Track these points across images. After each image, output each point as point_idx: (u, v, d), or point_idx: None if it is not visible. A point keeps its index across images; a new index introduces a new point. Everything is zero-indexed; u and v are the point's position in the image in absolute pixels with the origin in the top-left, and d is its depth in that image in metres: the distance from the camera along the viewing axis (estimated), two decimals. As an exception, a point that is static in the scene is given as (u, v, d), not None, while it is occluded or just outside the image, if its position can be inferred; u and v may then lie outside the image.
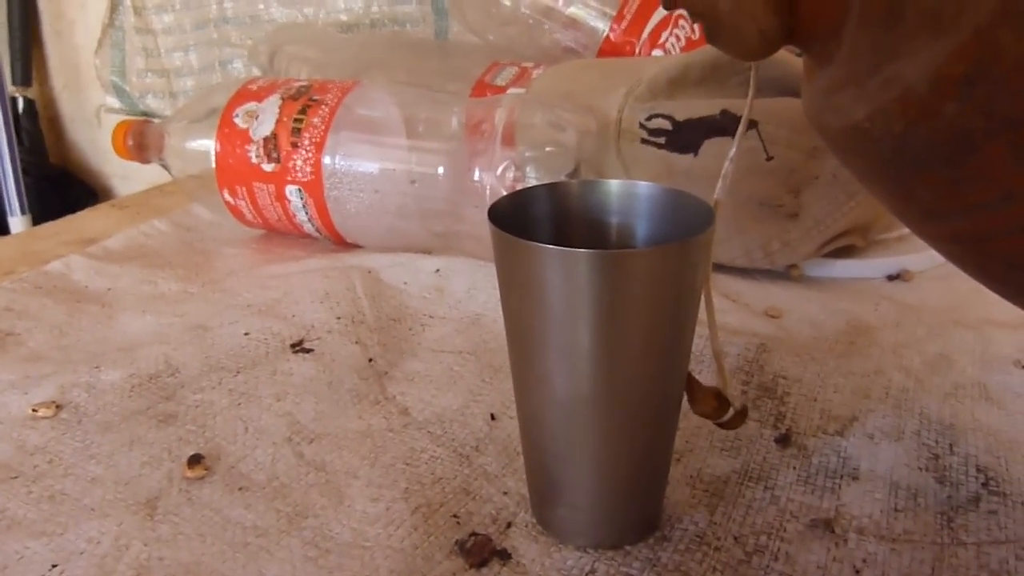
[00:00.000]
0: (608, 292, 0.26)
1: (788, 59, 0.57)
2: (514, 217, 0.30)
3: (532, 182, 0.52)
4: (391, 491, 0.34)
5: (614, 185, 0.31)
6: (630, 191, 0.31)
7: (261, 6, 0.89)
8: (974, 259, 0.25)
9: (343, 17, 0.87)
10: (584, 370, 0.27)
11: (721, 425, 0.33)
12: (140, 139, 0.63)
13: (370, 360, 0.44)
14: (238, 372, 0.43)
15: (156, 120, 0.65)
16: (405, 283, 0.52)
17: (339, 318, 0.47)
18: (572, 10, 0.72)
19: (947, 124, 0.21)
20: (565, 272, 0.26)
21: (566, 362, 0.27)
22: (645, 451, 0.30)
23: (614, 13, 0.70)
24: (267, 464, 0.36)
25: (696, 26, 0.73)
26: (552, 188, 0.32)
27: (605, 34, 0.70)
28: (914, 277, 0.54)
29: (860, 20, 0.24)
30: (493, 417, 0.39)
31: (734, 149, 0.32)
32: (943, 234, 0.25)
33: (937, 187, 0.23)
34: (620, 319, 0.27)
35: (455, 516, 0.33)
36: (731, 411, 0.33)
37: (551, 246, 0.26)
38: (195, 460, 0.36)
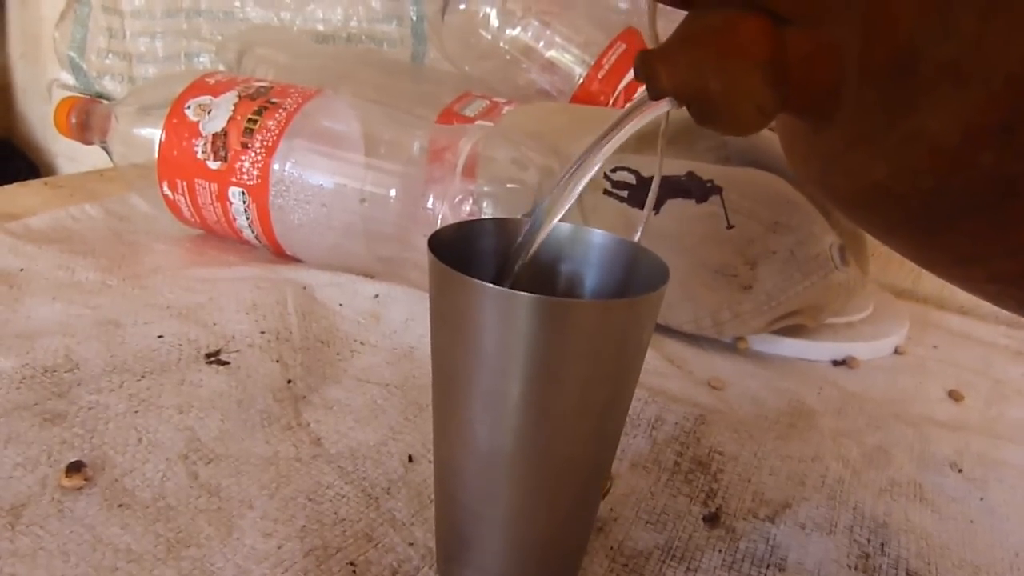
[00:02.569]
0: (547, 342, 0.24)
1: (759, 130, 0.57)
2: (457, 249, 0.28)
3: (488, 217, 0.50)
4: (287, 527, 0.31)
5: (567, 229, 0.30)
6: (583, 238, 0.29)
7: (237, 3, 0.86)
8: (1017, 295, 0.24)
9: (320, 27, 0.85)
10: (510, 421, 0.25)
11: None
12: (84, 118, 0.59)
13: (289, 381, 0.41)
14: (143, 376, 0.39)
15: (105, 102, 0.62)
16: (340, 305, 0.49)
17: (263, 332, 0.44)
18: (552, 53, 0.71)
19: (984, 173, 0.20)
20: (503, 315, 0.24)
21: (491, 411, 0.25)
22: (565, 516, 0.28)
23: (593, 62, 0.69)
24: (155, 481, 0.33)
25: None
26: (501, 224, 0.30)
27: (581, 81, 0.69)
28: (860, 365, 0.54)
29: (862, 78, 0.23)
30: (411, 459, 0.37)
31: (651, 195, 0.31)
32: (979, 276, 0.24)
33: (974, 234, 0.22)
34: (556, 372, 0.24)
35: (352, 564, 0.30)
36: (609, 484, 0.31)
37: (491, 285, 0.24)
38: (75, 468, 0.32)
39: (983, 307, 0.69)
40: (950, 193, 0.21)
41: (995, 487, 0.41)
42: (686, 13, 0.27)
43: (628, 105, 0.29)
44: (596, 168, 0.28)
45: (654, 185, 0.32)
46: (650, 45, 0.28)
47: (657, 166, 0.32)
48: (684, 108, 0.28)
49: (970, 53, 0.20)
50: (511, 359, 0.24)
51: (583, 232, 0.30)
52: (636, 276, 0.28)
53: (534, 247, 0.28)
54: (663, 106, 0.27)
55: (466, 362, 0.25)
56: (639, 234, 0.31)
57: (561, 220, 0.29)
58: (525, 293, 0.23)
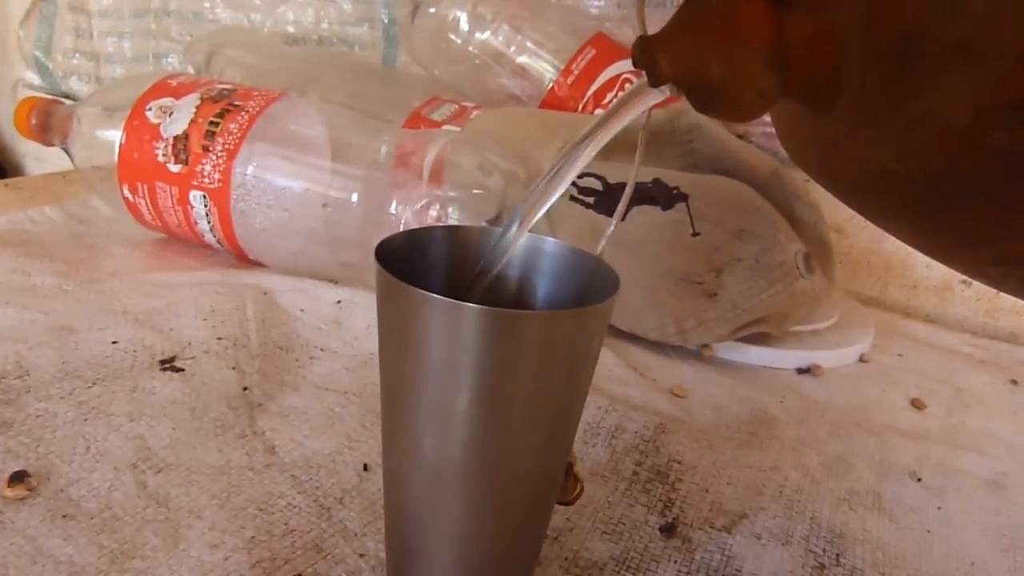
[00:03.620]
0: (494, 354, 0.24)
1: (724, 137, 0.57)
2: (406, 258, 0.27)
3: (453, 223, 0.50)
4: (235, 538, 0.31)
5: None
6: (535, 246, 0.29)
7: (207, 4, 0.85)
8: (1022, 277, 0.24)
9: (290, 29, 0.85)
10: (457, 434, 0.25)
11: (564, 503, 0.31)
12: (45, 119, 0.58)
13: (245, 389, 0.40)
14: (94, 383, 0.39)
15: (68, 103, 0.61)
16: (302, 310, 0.49)
17: (220, 339, 0.43)
18: (523, 59, 0.71)
19: (994, 154, 0.20)
20: (449, 326, 0.23)
21: (438, 423, 0.25)
22: (515, 529, 0.27)
23: (563, 67, 0.69)
24: (102, 491, 0.32)
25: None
26: (452, 232, 0.29)
27: (551, 86, 0.69)
28: (824, 373, 0.54)
29: (865, 61, 0.22)
30: (366, 468, 0.36)
31: (625, 198, 0.30)
32: (984, 259, 0.24)
33: (981, 216, 0.22)
34: (504, 384, 0.24)
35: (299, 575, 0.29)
36: (579, 488, 0.31)
37: (437, 296, 0.23)
38: (18, 478, 0.32)
39: (948, 315, 0.69)
40: (958, 175, 0.21)
41: (953, 496, 0.41)
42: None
43: (625, 91, 0.28)
44: (591, 156, 0.28)
45: (628, 189, 0.31)
46: (639, 33, 0.28)
47: (632, 171, 0.32)
48: (661, 110, 0.27)
49: (981, 32, 0.19)
50: (457, 371, 0.24)
51: (534, 240, 0.29)
52: (587, 284, 0.28)
53: (520, 238, 0.28)
54: (661, 93, 0.26)
55: (412, 373, 0.25)
56: (604, 241, 0.31)
57: (532, 228, 0.29)
58: (471, 304, 0.23)
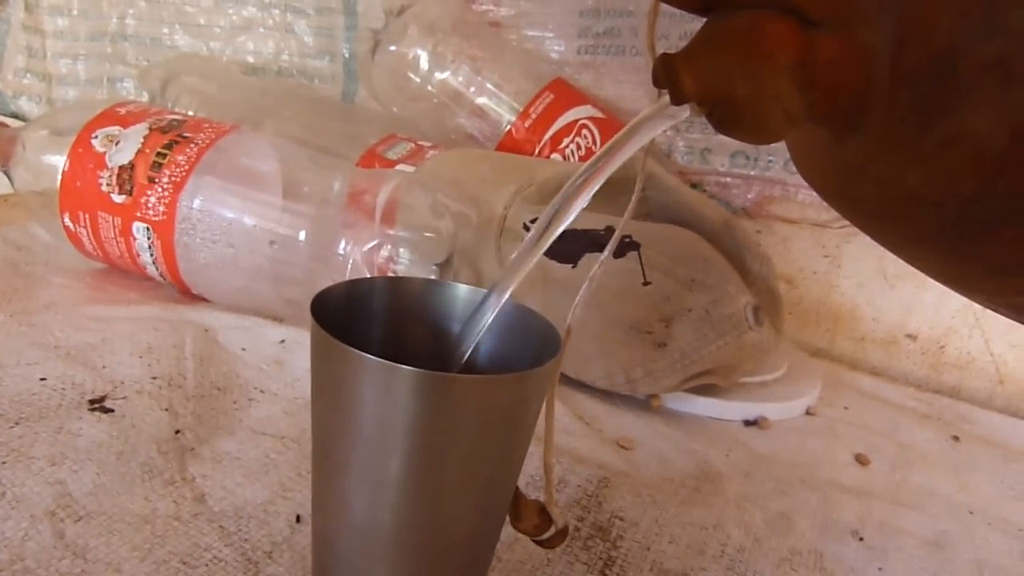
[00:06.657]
0: (428, 417, 0.23)
1: (677, 187, 0.57)
2: (345, 310, 0.27)
3: (404, 265, 0.49)
4: (154, 596, 0.29)
5: (462, 291, 0.29)
6: (478, 300, 0.29)
7: (165, 30, 0.84)
8: None
9: (250, 59, 0.84)
10: (388, 498, 0.24)
11: (539, 543, 0.30)
12: (-14, 141, 0.57)
13: (177, 432, 0.39)
14: (17, 423, 0.37)
15: (14, 125, 0.59)
16: (243, 349, 0.47)
17: (155, 378, 0.42)
18: (482, 100, 0.71)
19: None
20: (383, 388, 0.23)
21: (369, 485, 0.24)
22: (447, 594, 0.27)
23: (521, 110, 0.69)
24: (15, 541, 0.31)
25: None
26: (394, 283, 0.29)
27: (508, 128, 0.69)
28: (771, 426, 0.54)
29: (895, 81, 0.22)
30: (299, 519, 0.35)
31: (597, 268, 0.30)
32: (1011, 288, 0.23)
33: (1013, 242, 0.21)
34: (438, 448, 0.23)
35: (220, 638, 0.28)
36: (552, 529, 0.30)
37: (370, 356, 0.22)
38: (-76, 526, 0.30)
39: (894, 368, 0.70)
40: (991, 198, 0.21)
41: (894, 556, 0.41)
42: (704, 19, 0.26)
43: (645, 111, 0.27)
44: (605, 176, 0.27)
45: (617, 233, 0.31)
46: (649, 52, 0.27)
47: (628, 210, 0.31)
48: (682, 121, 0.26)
49: (1019, 49, 0.19)
50: (390, 433, 0.23)
51: (477, 294, 0.29)
52: (530, 342, 0.28)
53: (531, 263, 0.27)
54: (672, 117, 0.26)
55: (344, 433, 0.24)
56: (578, 301, 0.30)
57: (479, 272, 0.28)
58: (405, 367, 0.22)
